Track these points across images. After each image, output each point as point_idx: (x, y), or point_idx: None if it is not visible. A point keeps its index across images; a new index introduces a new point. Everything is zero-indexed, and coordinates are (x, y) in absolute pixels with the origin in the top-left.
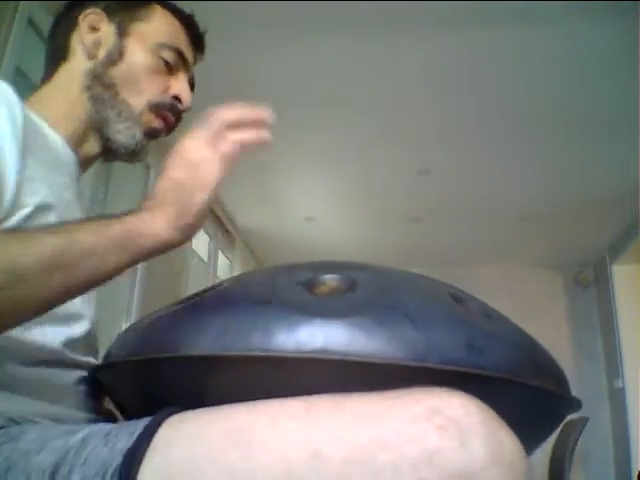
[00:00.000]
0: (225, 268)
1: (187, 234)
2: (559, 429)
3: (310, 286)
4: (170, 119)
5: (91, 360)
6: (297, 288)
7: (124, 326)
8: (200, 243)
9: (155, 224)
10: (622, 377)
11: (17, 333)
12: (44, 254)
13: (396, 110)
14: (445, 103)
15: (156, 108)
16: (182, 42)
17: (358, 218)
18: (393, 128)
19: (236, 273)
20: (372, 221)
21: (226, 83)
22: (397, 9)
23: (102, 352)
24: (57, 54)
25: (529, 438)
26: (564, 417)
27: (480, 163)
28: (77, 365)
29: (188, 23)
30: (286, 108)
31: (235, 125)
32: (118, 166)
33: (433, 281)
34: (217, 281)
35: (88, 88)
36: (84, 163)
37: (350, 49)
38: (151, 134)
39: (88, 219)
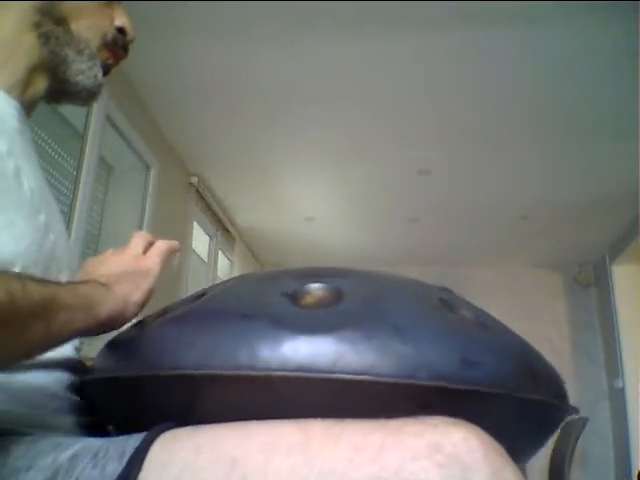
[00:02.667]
0: (225, 268)
1: (135, 310)
2: (559, 430)
3: (295, 297)
4: (121, 54)
5: (67, 349)
6: (282, 300)
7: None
8: (200, 243)
9: (112, 296)
10: (622, 377)
11: None
12: (34, 300)
13: (396, 110)
14: (445, 103)
15: (112, 44)
16: None
17: (358, 218)
18: (393, 128)
19: (236, 273)
20: (372, 221)
21: (226, 83)
22: (397, 9)
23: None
24: None
25: (527, 447)
26: (560, 424)
27: (480, 163)
28: (55, 364)
29: None
30: (286, 108)
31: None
32: (118, 166)
33: (422, 285)
34: (217, 281)
35: (37, 25)
36: (29, 108)
37: (350, 49)
38: (105, 72)
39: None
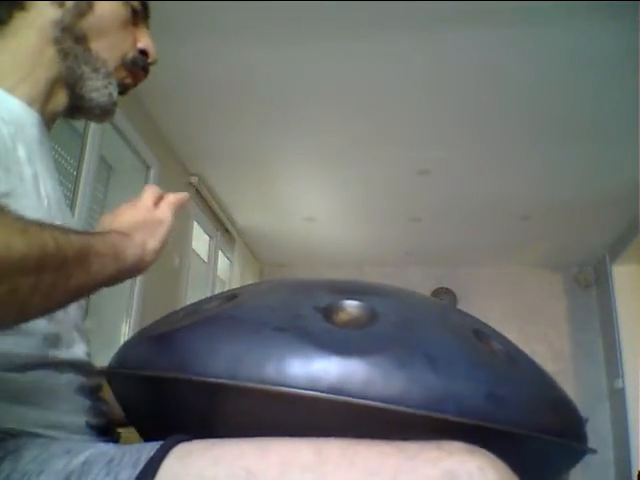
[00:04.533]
0: (225, 268)
1: (153, 257)
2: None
3: (329, 313)
4: (141, 75)
5: (79, 352)
6: (316, 315)
7: (124, 326)
8: (200, 243)
9: (132, 244)
10: (622, 377)
11: None
12: (76, 248)
13: (396, 110)
14: (445, 103)
15: (131, 65)
16: None
17: (358, 218)
18: (393, 128)
19: (236, 273)
20: (372, 221)
21: (226, 83)
22: (397, 9)
23: (102, 354)
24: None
25: None
26: (577, 463)
27: (480, 163)
28: (67, 364)
29: None
30: (286, 108)
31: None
32: (118, 166)
33: (457, 313)
34: (217, 281)
35: (57, 41)
36: (50, 121)
37: (350, 49)
38: (122, 91)
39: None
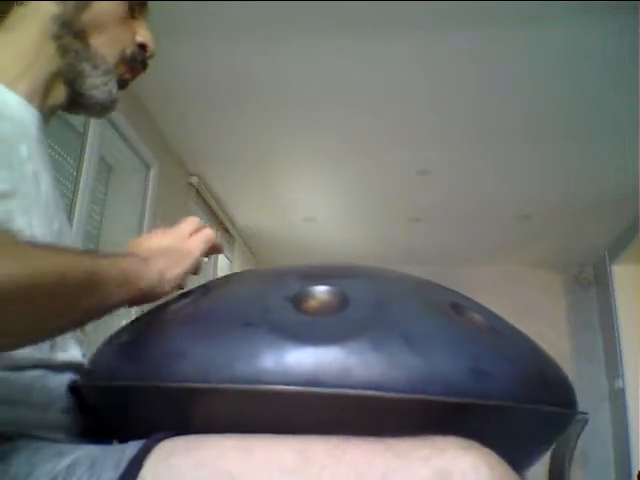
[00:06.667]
0: (225, 268)
1: (171, 286)
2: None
3: (299, 302)
4: (139, 70)
5: (75, 354)
6: (285, 305)
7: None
8: None
9: (148, 269)
10: (622, 377)
11: None
12: (81, 275)
13: (396, 110)
14: (445, 103)
15: (131, 60)
16: None
17: (358, 218)
18: (393, 128)
19: None
20: (372, 221)
21: (226, 84)
22: (397, 9)
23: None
24: None
25: (533, 454)
26: (568, 428)
27: (480, 163)
28: (63, 366)
29: None
30: (286, 108)
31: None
32: (118, 166)
33: (432, 287)
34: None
35: (57, 37)
36: (48, 116)
37: (350, 49)
38: (122, 85)
39: (94, 252)
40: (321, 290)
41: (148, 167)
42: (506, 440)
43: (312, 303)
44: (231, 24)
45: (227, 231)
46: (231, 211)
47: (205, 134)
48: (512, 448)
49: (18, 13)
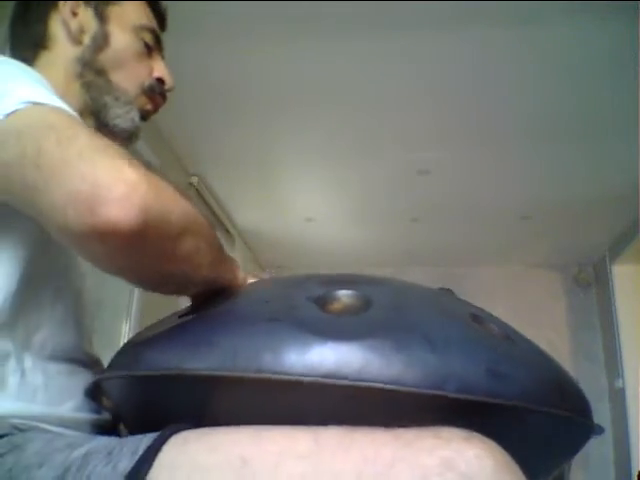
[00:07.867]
0: None
1: (243, 283)
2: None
3: (323, 303)
4: (160, 101)
5: (94, 356)
6: (310, 305)
7: (124, 326)
8: None
9: (236, 274)
10: (622, 377)
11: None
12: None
13: (396, 110)
14: (445, 103)
15: (149, 92)
16: (154, 23)
17: (358, 218)
18: (393, 128)
19: None
20: (372, 221)
21: (226, 84)
22: (397, 9)
23: (102, 354)
24: (34, 41)
25: (549, 465)
26: (585, 443)
27: (480, 163)
28: (76, 363)
29: (154, 3)
30: (286, 108)
31: None
32: None
33: (452, 299)
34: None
35: (80, 76)
36: None
37: (350, 49)
38: (144, 116)
39: None
40: (345, 293)
41: (148, 167)
42: (520, 444)
43: (336, 305)
44: (231, 24)
45: (227, 231)
46: (231, 211)
47: (205, 134)
48: (526, 454)
49: (44, 58)
